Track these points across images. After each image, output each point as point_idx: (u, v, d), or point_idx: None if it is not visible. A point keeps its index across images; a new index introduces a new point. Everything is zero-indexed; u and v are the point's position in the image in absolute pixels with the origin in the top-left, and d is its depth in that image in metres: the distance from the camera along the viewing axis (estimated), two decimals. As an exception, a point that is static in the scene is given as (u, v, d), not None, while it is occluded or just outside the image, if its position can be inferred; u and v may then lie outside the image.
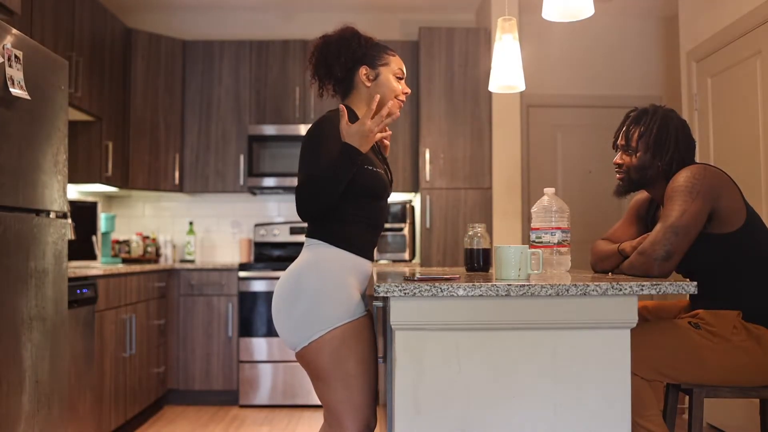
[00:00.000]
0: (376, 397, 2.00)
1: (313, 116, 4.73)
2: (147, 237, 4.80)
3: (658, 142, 2.13)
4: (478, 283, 1.59)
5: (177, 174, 4.73)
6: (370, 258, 1.99)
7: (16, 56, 2.33)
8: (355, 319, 1.88)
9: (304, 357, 1.88)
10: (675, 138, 2.12)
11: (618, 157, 2.23)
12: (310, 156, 1.89)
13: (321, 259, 1.89)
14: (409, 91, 2.08)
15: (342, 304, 1.86)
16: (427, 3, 4.96)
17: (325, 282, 1.86)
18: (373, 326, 1.98)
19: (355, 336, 1.87)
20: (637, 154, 2.16)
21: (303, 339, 1.86)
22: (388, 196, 2.04)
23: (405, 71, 2.09)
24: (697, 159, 3.79)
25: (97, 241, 4.08)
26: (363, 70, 2.01)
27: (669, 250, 1.92)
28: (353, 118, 1.98)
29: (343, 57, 2.00)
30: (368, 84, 2.02)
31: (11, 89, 2.29)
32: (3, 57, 2.26)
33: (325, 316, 1.84)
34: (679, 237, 1.93)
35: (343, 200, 1.89)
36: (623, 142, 2.21)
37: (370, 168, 1.93)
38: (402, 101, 2.06)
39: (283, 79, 4.78)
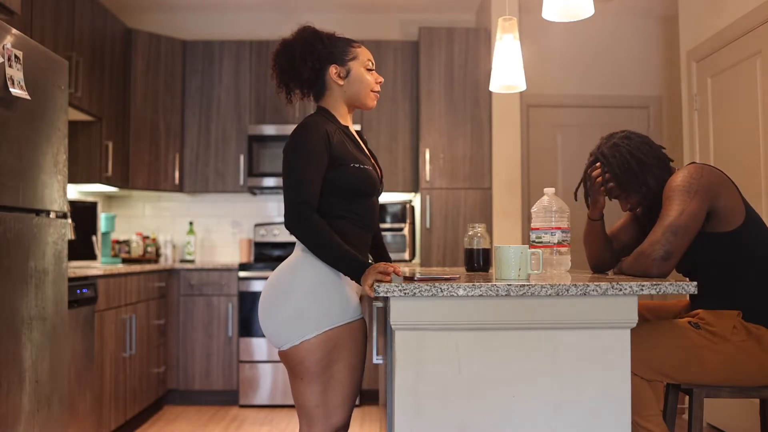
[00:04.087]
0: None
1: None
2: (147, 237, 4.80)
3: (629, 180, 2.14)
4: (478, 283, 1.59)
5: (177, 174, 4.73)
6: (365, 258, 1.94)
7: (16, 56, 2.33)
8: (351, 321, 1.85)
9: (291, 356, 1.82)
10: (638, 163, 2.12)
11: (622, 207, 2.27)
12: (294, 175, 1.83)
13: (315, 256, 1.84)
14: (381, 79, 2.03)
15: (338, 304, 1.82)
16: (427, 3, 4.96)
17: (320, 279, 1.82)
18: (366, 331, 1.93)
19: (349, 340, 1.83)
20: (627, 199, 2.19)
21: (293, 337, 1.81)
22: (379, 193, 1.99)
23: (374, 61, 2.03)
24: (697, 159, 3.81)
25: (97, 241, 4.08)
26: (333, 70, 1.96)
27: (668, 250, 1.92)
28: (330, 119, 1.95)
29: (309, 60, 1.94)
30: (341, 82, 1.97)
31: (11, 89, 2.29)
32: (3, 57, 2.26)
33: (319, 316, 1.80)
34: (678, 237, 1.93)
35: (332, 198, 1.87)
36: (611, 198, 2.24)
37: (355, 165, 1.88)
38: (377, 92, 2.02)
39: (283, 79, 4.77)
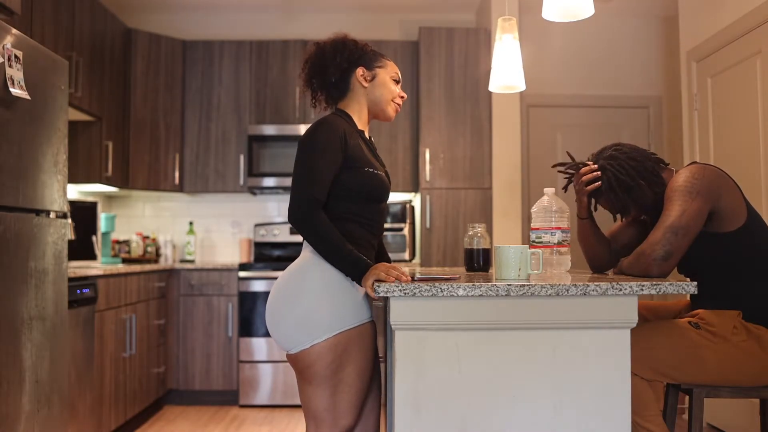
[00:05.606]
0: (378, 401, 1.99)
1: (314, 116, 4.74)
2: (147, 237, 4.80)
3: (619, 206, 2.15)
4: (478, 283, 1.59)
5: (177, 174, 4.73)
6: (371, 261, 1.92)
7: (16, 56, 2.33)
8: (361, 324, 1.82)
9: (301, 359, 1.80)
10: (621, 186, 2.12)
11: (626, 219, 2.26)
12: (305, 169, 1.82)
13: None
14: (405, 95, 2.06)
15: (349, 306, 1.80)
16: (427, 3, 4.96)
17: (330, 280, 1.80)
18: (376, 334, 1.91)
19: (359, 343, 1.81)
20: (629, 214, 2.19)
21: (304, 340, 1.78)
22: (388, 198, 2.01)
23: (400, 77, 2.07)
24: (697, 159, 3.81)
25: (97, 241, 4.08)
26: (360, 71, 1.99)
27: (668, 251, 1.92)
28: (348, 121, 1.96)
29: (338, 58, 1.97)
30: (365, 84, 2.00)
31: (11, 89, 2.29)
32: (3, 57, 2.26)
33: (330, 318, 1.78)
34: (679, 237, 1.93)
35: (343, 200, 1.87)
36: (618, 214, 2.24)
37: (370, 170, 1.89)
38: (399, 104, 2.05)
39: (283, 79, 4.78)
